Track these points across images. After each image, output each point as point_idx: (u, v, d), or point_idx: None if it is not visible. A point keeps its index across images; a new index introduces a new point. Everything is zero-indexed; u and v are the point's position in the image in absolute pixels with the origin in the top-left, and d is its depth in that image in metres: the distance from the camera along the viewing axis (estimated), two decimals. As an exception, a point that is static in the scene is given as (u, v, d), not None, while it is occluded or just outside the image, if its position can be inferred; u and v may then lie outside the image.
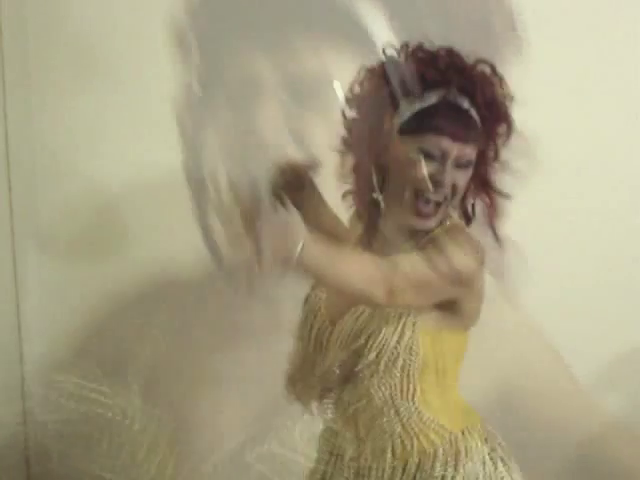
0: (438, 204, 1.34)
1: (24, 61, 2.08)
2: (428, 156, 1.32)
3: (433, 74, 1.34)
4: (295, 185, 1.52)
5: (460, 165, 1.33)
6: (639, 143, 2.05)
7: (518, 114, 1.39)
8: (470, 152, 1.33)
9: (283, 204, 1.47)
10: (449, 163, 1.32)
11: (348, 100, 1.43)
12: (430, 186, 1.31)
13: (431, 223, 1.35)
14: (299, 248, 1.08)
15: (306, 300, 1.46)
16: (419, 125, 1.34)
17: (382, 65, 1.39)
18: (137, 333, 2.17)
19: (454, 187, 1.33)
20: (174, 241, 2.04)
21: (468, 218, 1.43)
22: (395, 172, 1.36)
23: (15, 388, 2.20)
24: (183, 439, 2.18)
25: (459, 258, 1.27)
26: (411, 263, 1.27)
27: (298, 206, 1.50)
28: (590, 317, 2.06)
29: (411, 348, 1.32)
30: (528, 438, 1.97)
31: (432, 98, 1.34)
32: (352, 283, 1.21)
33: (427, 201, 1.33)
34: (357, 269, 1.21)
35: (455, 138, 1.31)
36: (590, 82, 1.98)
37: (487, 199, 1.42)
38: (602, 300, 2.05)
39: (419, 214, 1.34)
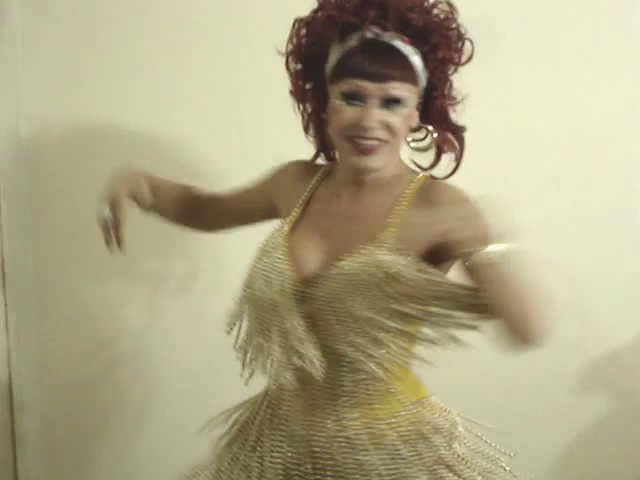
0: (379, 141, 1.31)
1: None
2: (351, 100, 1.30)
3: (346, 16, 1.32)
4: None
5: (388, 104, 1.29)
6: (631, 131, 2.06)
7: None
8: (397, 90, 1.29)
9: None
10: (372, 104, 1.29)
11: (289, 53, 1.42)
12: (357, 130, 1.29)
13: (377, 161, 1.32)
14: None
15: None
16: (340, 71, 1.32)
17: (313, 14, 1.37)
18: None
19: (389, 127, 1.30)
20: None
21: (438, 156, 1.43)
22: (331, 121, 1.35)
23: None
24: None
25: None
26: None
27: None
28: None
29: None
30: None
31: (352, 41, 1.31)
32: None
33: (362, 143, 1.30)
34: None
35: (374, 78, 1.27)
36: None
37: (444, 133, 1.41)
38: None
39: (360, 151, 1.31)
